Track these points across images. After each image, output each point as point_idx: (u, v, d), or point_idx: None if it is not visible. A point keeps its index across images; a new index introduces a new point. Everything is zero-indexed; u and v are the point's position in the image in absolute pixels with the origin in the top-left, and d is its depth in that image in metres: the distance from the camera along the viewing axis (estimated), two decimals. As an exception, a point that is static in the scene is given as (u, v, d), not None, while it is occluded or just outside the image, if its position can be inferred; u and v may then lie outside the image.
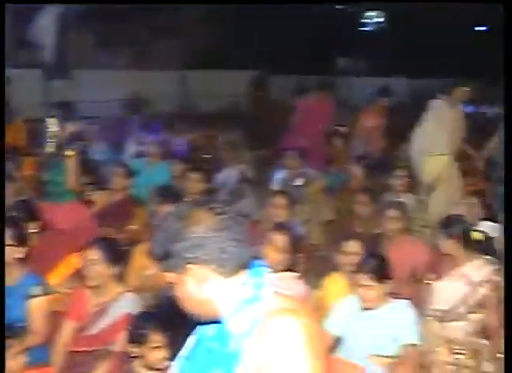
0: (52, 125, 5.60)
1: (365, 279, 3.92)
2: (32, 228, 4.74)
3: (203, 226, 1.98)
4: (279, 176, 7.68)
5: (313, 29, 19.49)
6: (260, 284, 2.01)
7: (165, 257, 2.02)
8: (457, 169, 7.07)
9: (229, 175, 8.00)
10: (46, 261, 4.63)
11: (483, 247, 4.71)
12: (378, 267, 3.97)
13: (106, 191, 6.92)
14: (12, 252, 4.15)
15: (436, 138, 6.77)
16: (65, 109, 5.70)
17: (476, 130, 11.37)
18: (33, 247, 4.58)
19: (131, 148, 9.43)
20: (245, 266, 2.02)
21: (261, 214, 6.60)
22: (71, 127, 5.75)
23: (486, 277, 4.41)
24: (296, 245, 4.32)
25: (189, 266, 1.99)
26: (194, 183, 6.30)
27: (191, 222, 1.99)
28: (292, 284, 4.15)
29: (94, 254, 4.11)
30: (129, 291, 4.27)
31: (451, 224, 4.62)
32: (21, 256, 4.20)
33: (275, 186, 7.51)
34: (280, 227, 4.51)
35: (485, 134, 9.39)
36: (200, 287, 1.99)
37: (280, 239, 4.25)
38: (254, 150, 9.63)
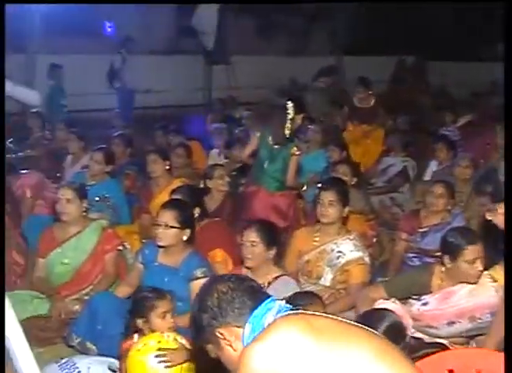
0: (290, 109, 5.73)
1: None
2: (194, 213, 4.90)
3: (215, 295, 2.27)
4: (433, 167, 7.51)
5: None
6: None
7: (197, 333, 2.33)
8: None
9: (391, 164, 7.90)
10: (204, 247, 4.77)
11: None
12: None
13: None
14: (178, 234, 4.28)
15: None
16: (297, 102, 5.90)
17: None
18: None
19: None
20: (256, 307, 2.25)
21: (418, 204, 6.52)
22: (299, 120, 5.95)
23: None
24: None
25: (218, 331, 2.25)
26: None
27: (207, 292, 2.30)
28: None
29: (253, 236, 4.23)
30: (285, 274, 4.34)
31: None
32: (185, 238, 4.32)
33: (427, 176, 7.39)
34: None
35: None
36: (236, 347, 2.23)
37: None
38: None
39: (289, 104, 5.78)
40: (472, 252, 3.87)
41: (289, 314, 2.21)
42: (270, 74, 15.35)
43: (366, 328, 2.24)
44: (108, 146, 6.70)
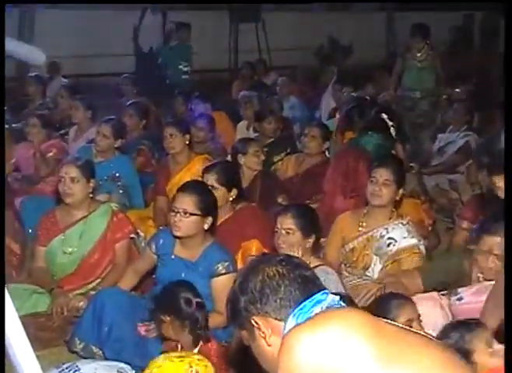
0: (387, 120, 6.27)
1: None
2: (231, 195, 4.89)
3: (259, 277, 2.23)
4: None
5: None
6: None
7: (232, 314, 2.32)
8: None
9: (450, 141, 7.80)
10: (238, 235, 4.79)
11: None
12: None
13: (298, 154, 6.98)
14: (198, 223, 4.23)
15: None
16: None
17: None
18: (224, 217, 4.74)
19: (327, 104, 9.49)
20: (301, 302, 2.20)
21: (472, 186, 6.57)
22: None
23: None
24: None
25: (253, 319, 2.21)
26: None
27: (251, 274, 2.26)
28: None
29: (289, 223, 4.22)
30: (325, 265, 4.33)
31: None
32: (206, 227, 4.28)
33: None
34: None
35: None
36: (269, 339, 2.19)
37: None
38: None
39: (384, 116, 6.21)
40: (487, 242, 3.94)
41: (345, 307, 2.18)
42: (306, 33, 15.25)
43: (428, 336, 2.21)
44: (118, 117, 6.70)
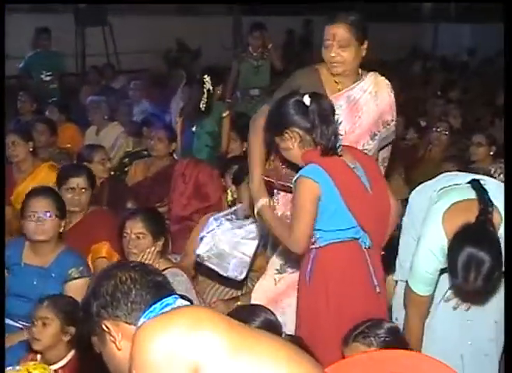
0: (207, 83, 6.24)
1: None
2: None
3: (112, 282, 2.25)
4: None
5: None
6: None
7: (83, 320, 2.33)
8: None
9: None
10: (87, 238, 4.77)
11: None
12: None
13: (146, 159, 6.97)
14: (56, 225, 4.23)
15: None
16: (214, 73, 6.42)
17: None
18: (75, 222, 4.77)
19: (177, 107, 9.49)
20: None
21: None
22: (218, 91, 6.44)
23: None
24: None
25: (104, 324, 2.24)
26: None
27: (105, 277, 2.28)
28: None
29: (139, 227, 4.23)
30: (175, 267, 4.36)
31: None
32: (61, 230, 4.29)
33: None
34: None
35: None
36: (119, 343, 2.22)
37: None
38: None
39: (206, 78, 6.21)
40: None
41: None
42: (154, 36, 15.21)
43: (276, 336, 2.30)
44: None
